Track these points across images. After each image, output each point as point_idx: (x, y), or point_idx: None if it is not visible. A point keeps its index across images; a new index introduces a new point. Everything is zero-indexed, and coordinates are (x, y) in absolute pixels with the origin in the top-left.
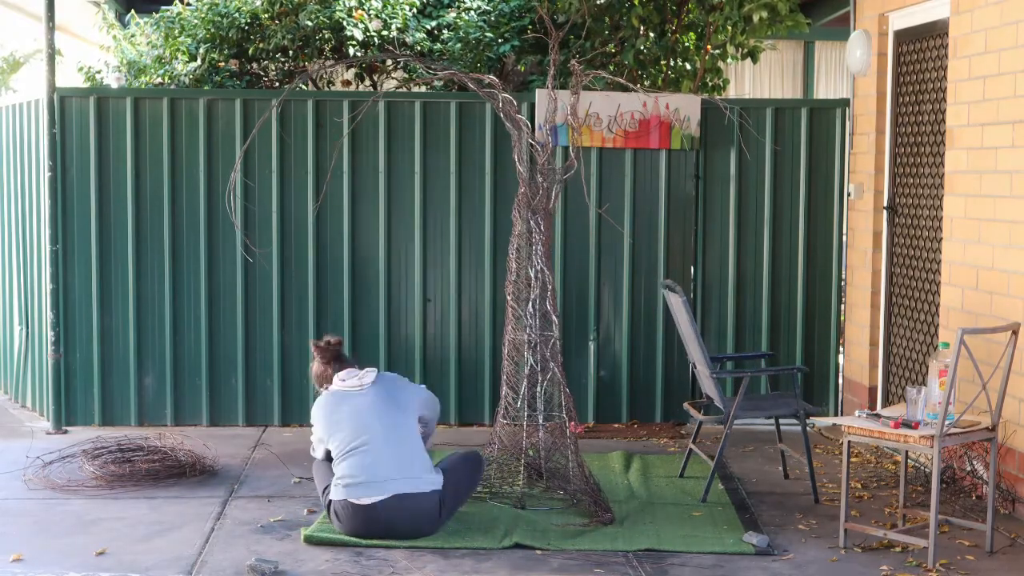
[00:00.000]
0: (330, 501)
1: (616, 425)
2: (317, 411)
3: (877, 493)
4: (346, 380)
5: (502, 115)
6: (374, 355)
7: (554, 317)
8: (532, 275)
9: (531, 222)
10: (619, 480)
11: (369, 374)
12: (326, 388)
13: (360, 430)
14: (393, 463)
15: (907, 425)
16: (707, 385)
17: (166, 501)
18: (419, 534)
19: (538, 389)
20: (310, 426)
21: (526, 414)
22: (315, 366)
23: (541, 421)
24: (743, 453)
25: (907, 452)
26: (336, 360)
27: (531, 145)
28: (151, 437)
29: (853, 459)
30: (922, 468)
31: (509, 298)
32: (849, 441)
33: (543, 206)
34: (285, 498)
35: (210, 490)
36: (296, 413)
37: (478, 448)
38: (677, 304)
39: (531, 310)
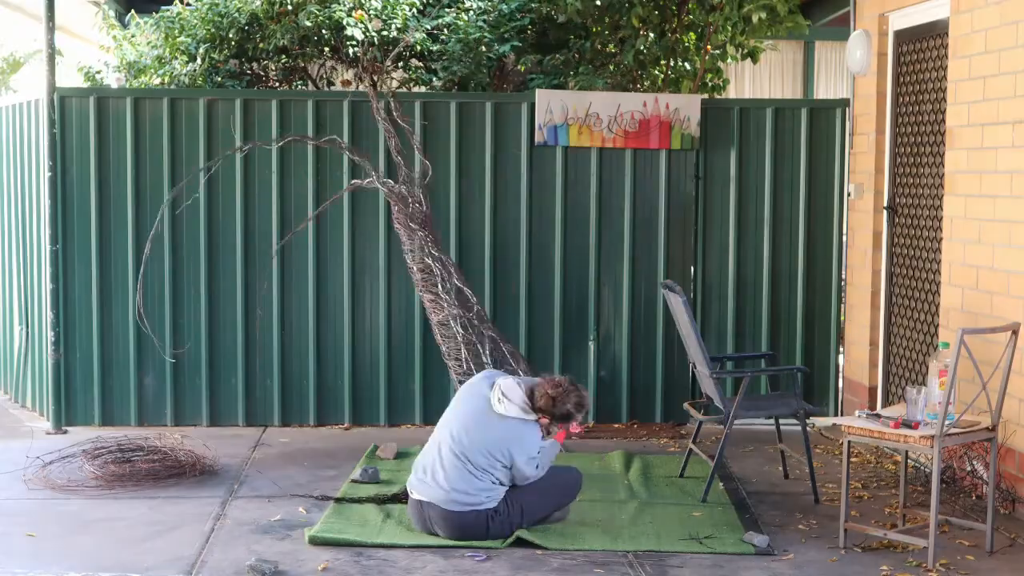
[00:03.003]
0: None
1: (616, 425)
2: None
3: (877, 493)
4: (502, 383)
5: (377, 117)
6: (374, 355)
7: (467, 288)
8: (431, 264)
9: (419, 233)
10: (619, 480)
11: (505, 409)
12: None
13: (448, 424)
14: (441, 477)
15: (907, 425)
16: (707, 385)
17: (166, 501)
18: (466, 538)
19: (482, 348)
20: (310, 426)
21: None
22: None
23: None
24: (743, 453)
25: (907, 452)
26: (541, 397)
27: (396, 161)
28: (151, 437)
29: (853, 459)
30: (922, 468)
31: (418, 289)
32: (849, 441)
33: (423, 217)
34: (285, 498)
35: (210, 490)
36: (296, 413)
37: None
38: (677, 304)
39: (442, 291)
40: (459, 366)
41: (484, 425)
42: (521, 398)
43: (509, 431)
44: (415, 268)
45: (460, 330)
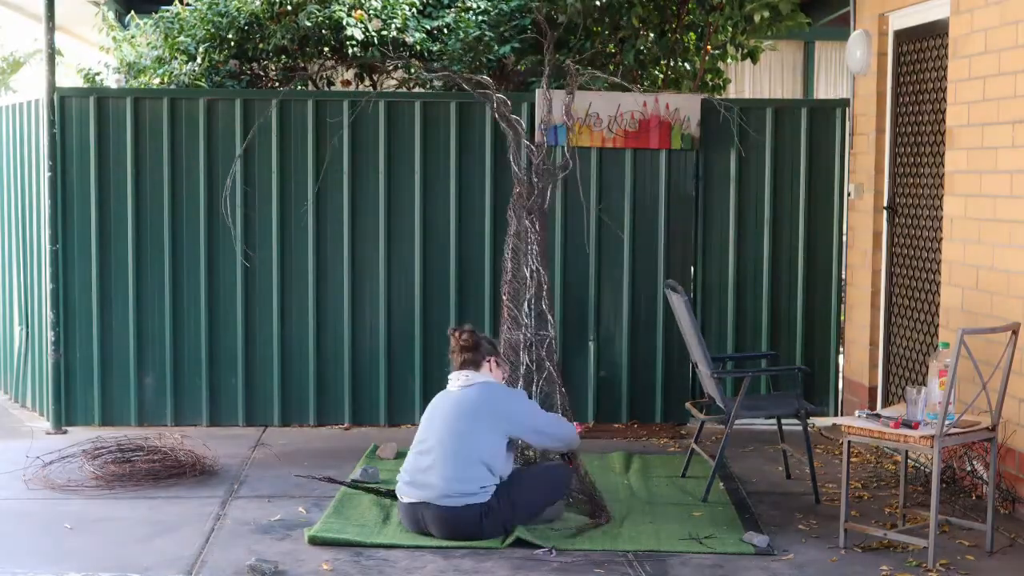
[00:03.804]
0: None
1: (616, 425)
2: None
3: (877, 493)
4: (452, 381)
5: (496, 116)
6: (374, 355)
7: (550, 317)
8: (528, 275)
9: (526, 222)
10: (619, 480)
11: (471, 377)
12: None
13: (427, 430)
14: (437, 472)
15: (907, 425)
16: (709, 385)
17: (166, 501)
18: (459, 538)
19: (534, 388)
20: (310, 426)
21: None
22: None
23: None
24: (743, 453)
25: (907, 452)
26: (461, 352)
27: (527, 145)
28: (151, 437)
29: (853, 459)
30: (922, 468)
31: (505, 298)
32: (849, 441)
33: (538, 206)
34: (285, 498)
35: (210, 490)
36: (296, 413)
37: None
38: (679, 304)
39: (527, 310)
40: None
41: (463, 404)
42: (473, 371)
43: (482, 394)
44: (508, 267)
45: (525, 358)
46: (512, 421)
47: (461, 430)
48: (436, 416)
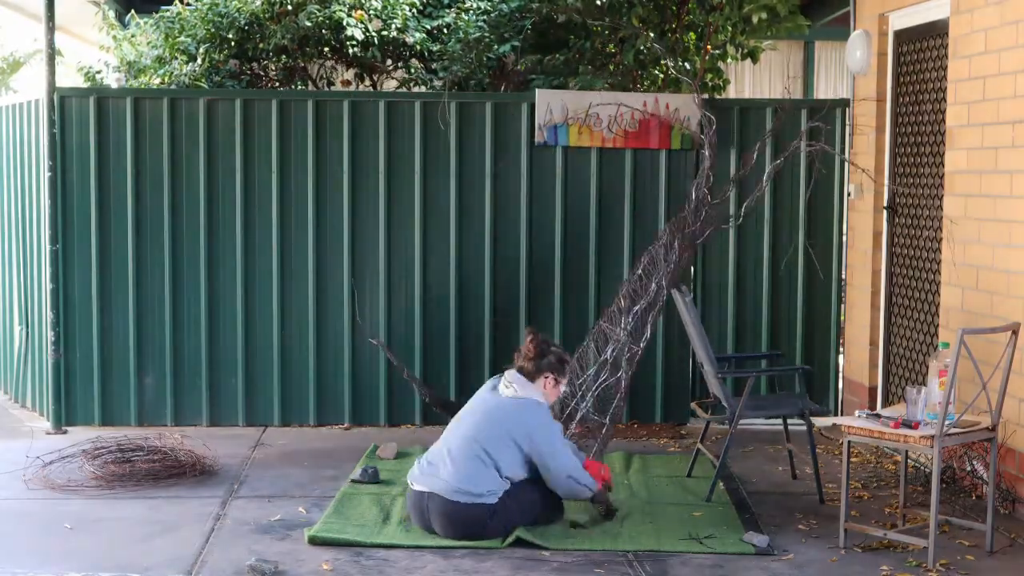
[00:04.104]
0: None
1: (616, 425)
2: None
3: (877, 493)
4: (505, 379)
5: (706, 142)
6: (374, 355)
7: (647, 334)
8: (653, 287)
9: (676, 243)
10: (619, 480)
11: (521, 390)
12: None
13: (460, 420)
14: (452, 468)
15: (907, 425)
16: (714, 385)
17: (166, 501)
18: (462, 535)
19: (598, 383)
20: (310, 426)
21: (572, 405)
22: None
23: (582, 414)
24: (744, 453)
25: (907, 452)
26: (527, 359)
27: (706, 186)
28: (151, 437)
29: (853, 459)
30: (922, 468)
31: (622, 291)
32: (849, 441)
33: (692, 238)
34: (285, 498)
35: (210, 490)
36: (296, 413)
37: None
38: (683, 305)
39: (636, 311)
40: (576, 383)
41: (497, 411)
42: (527, 382)
43: (521, 411)
44: (640, 266)
45: (608, 354)
46: (539, 458)
47: (481, 434)
48: (473, 411)
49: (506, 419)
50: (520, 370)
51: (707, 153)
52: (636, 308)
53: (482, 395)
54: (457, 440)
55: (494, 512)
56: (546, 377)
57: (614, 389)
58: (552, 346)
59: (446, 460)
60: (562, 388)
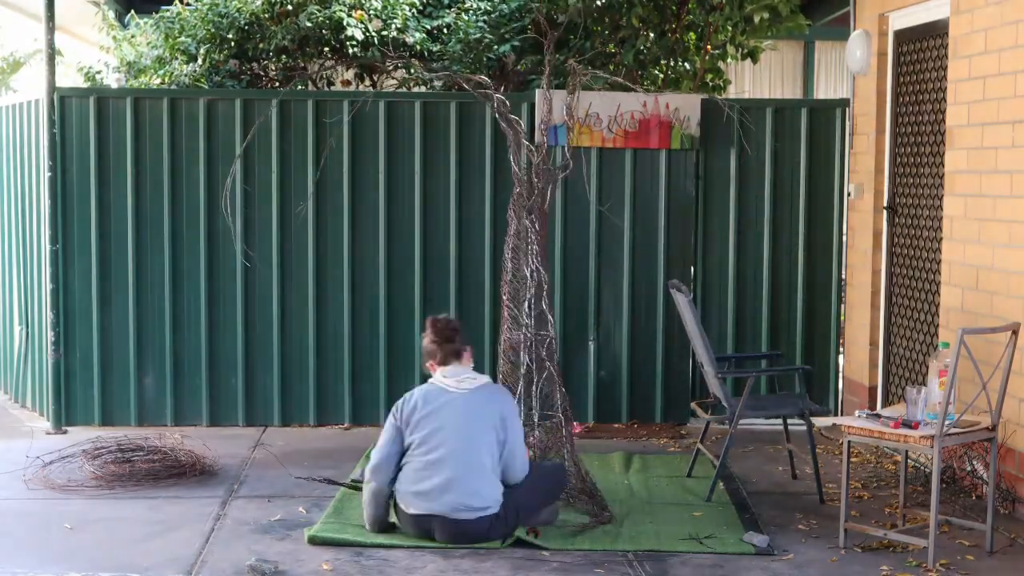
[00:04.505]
0: (393, 492)
1: (616, 425)
2: (402, 405)
3: (877, 493)
4: (448, 377)
5: (497, 115)
6: (374, 355)
7: (550, 317)
8: (528, 274)
9: (526, 221)
10: (619, 480)
11: (476, 380)
12: (429, 367)
13: (435, 435)
14: (452, 488)
15: (907, 425)
16: (714, 385)
17: (166, 501)
18: (465, 544)
19: (534, 388)
20: (310, 426)
21: (523, 413)
22: (425, 341)
23: (537, 420)
24: (744, 453)
25: (907, 452)
26: (448, 343)
27: (526, 145)
28: (151, 437)
29: (853, 459)
30: (922, 468)
31: (505, 298)
32: (849, 441)
33: (538, 206)
34: (285, 498)
35: (210, 490)
36: (296, 413)
37: (558, 462)
38: (683, 304)
39: (527, 309)
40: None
41: (472, 406)
42: (464, 368)
43: (494, 392)
44: (508, 267)
45: (525, 358)
46: (504, 424)
47: (473, 439)
48: (445, 423)
49: (487, 405)
50: (450, 356)
51: (515, 125)
52: (525, 302)
53: (444, 407)
54: (456, 455)
55: (497, 519)
56: (466, 350)
57: (552, 385)
58: (447, 321)
59: (445, 482)
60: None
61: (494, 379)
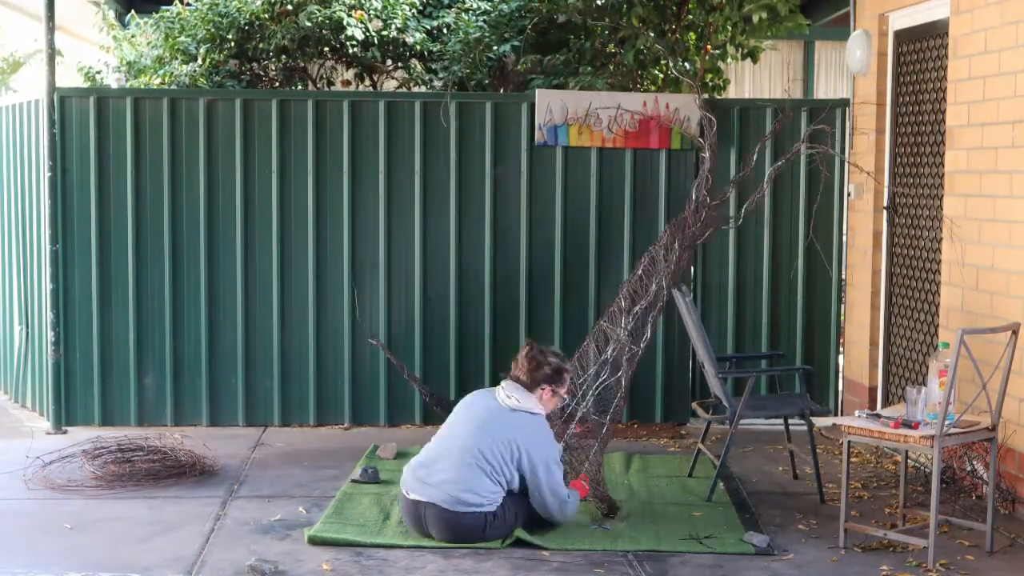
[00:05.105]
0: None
1: (616, 425)
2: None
3: (877, 493)
4: (505, 387)
5: (706, 144)
6: (373, 356)
7: (647, 334)
8: (653, 287)
9: (677, 244)
10: (619, 480)
11: (523, 402)
12: None
13: (456, 427)
14: (450, 478)
15: (907, 425)
16: (714, 385)
17: (166, 501)
18: (460, 541)
19: (597, 382)
20: (310, 426)
21: (574, 402)
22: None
23: (583, 414)
24: (744, 453)
25: (907, 452)
26: (531, 370)
27: (705, 190)
28: (151, 437)
29: (853, 459)
30: (922, 468)
31: (622, 291)
32: (849, 441)
33: (692, 239)
34: (285, 498)
35: (210, 490)
36: (296, 413)
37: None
38: (684, 305)
39: (636, 311)
40: (576, 382)
41: (497, 419)
42: (526, 392)
43: (521, 421)
44: (640, 267)
45: (608, 354)
46: (531, 468)
47: (483, 444)
48: (469, 419)
49: (508, 429)
50: (517, 380)
51: (707, 155)
52: (636, 308)
53: (479, 403)
54: (456, 448)
55: (493, 518)
56: (543, 389)
57: (614, 389)
58: (550, 356)
59: (444, 468)
60: (561, 397)
61: (570, 354)
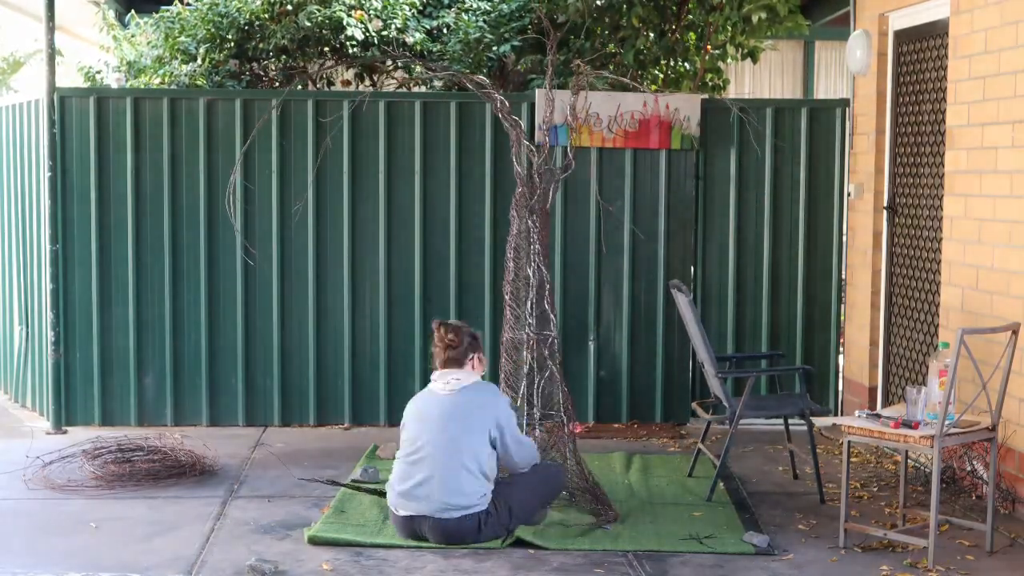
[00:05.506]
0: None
1: (616, 425)
2: (405, 410)
3: (877, 493)
4: (436, 380)
5: (499, 115)
6: (374, 355)
7: (552, 316)
8: (530, 274)
9: (528, 221)
10: (619, 480)
11: (461, 379)
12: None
13: (419, 437)
14: (435, 486)
15: (907, 425)
16: (714, 385)
17: (166, 501)
18: (458, 544)
19: (535, 387)
20: (310, 426)
21: (525, 413)
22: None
23: (538, 420)
24: (744, 453)
25: (907, 452)
26: (448, 348)
27: (527, 146)
28: (151, 437)
29: (853, 459)
30: (922, 468)
31: (507, 297)
32: (849, 441)
33: (540, 205)
34: (285, 498)
35: (210, 490)
36: (296, 413)
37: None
38: (684, 304)
39: (529, 309)
40: (512, 395)
41: (455, 408)
42: (460, 370)
43: (472, 395)
44: (511, 267)
45: (527, 357)
46: (498, 425)
47: (455, 439)
48: (427, 424)
49: (466, 411)
50: (448, 363)
51: (516, 125)
52: (528, 299)
53: (427, 408)
54: (430, 456)
55: (487, 516)
56: (470, 358)
57: (553, 385)
58: (460, 326)
59: (427, 480)
60: (485, 361)
61: (495, 379)
